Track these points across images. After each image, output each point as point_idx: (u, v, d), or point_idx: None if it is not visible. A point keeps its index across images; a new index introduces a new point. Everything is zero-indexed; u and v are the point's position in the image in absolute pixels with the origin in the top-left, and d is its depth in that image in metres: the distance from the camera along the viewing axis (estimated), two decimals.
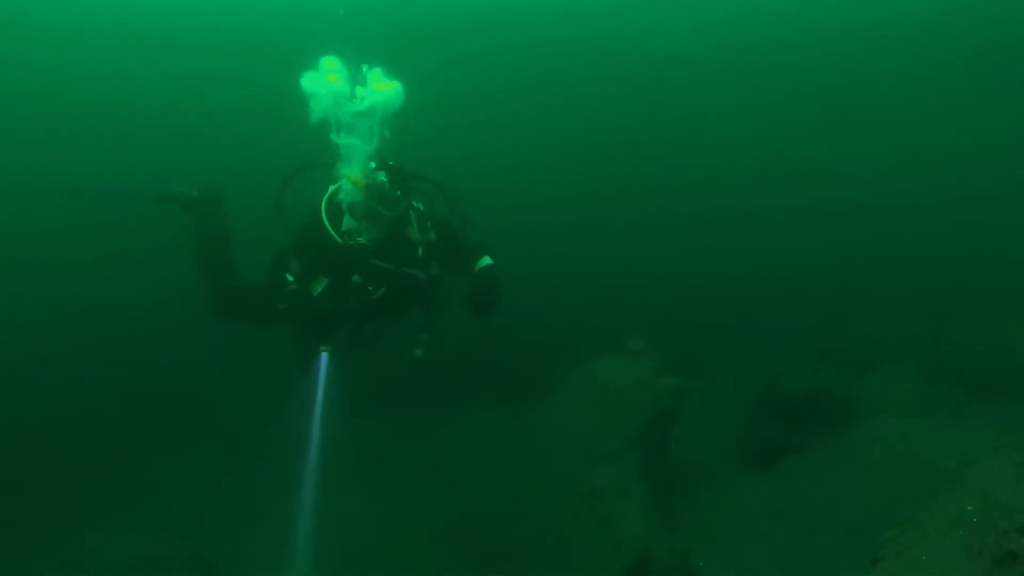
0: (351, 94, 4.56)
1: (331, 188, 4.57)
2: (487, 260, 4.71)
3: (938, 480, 3.39)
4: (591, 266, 17.85)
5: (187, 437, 8.47)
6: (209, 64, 18.14)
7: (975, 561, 2.40)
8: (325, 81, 4.58)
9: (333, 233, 4.42)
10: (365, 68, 4.59)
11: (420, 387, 9.53)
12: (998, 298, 10.41)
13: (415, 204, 4.71)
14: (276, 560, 6.43)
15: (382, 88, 4.57)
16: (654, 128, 23.96)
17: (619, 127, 24.01)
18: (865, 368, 8.77)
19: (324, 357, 4.63)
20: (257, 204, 5.40)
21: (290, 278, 4.55)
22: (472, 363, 10.17)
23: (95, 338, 11.23)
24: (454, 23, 17.03)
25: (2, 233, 14.49)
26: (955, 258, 16.12)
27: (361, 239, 4.42)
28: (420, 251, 4.61)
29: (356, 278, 4.48)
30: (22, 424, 8.22)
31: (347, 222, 4.47)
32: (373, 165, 4.56)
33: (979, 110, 21.72)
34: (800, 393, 7.55)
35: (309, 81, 4.57)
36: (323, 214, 4.46)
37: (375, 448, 8.74)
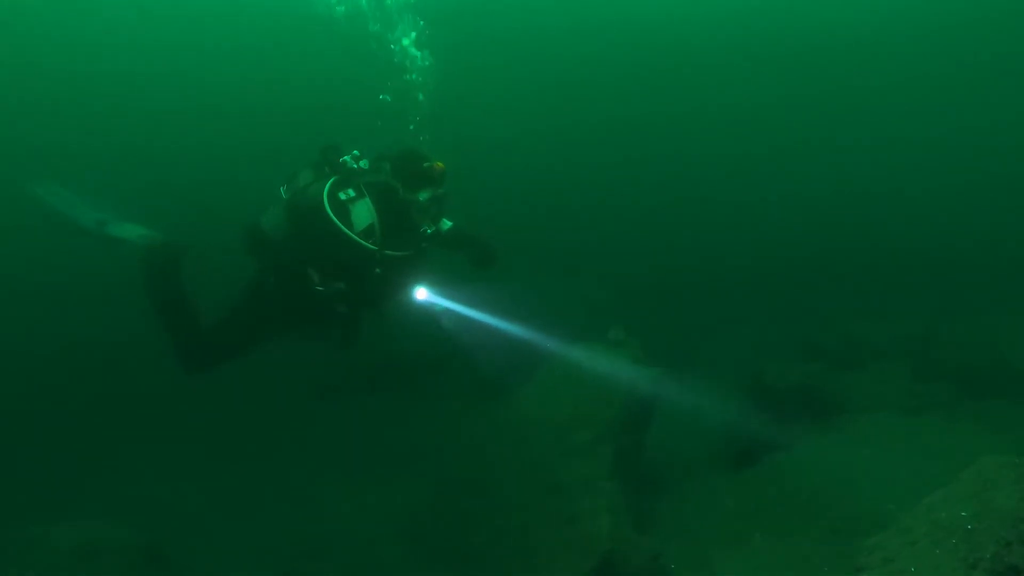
0: None
1: (328, 185, 4.08)
2: (447, 223, 4.49)
3: (927, 483, 3.13)
4: (586, 258, 17.57)
5: (141, 426, 8.17)
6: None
7: (970, 574, 2.11)
8: None
9: (356, 238, 3.97)
10: None
11: (395, 376, 9.25)
12: (993, 297, 10.19)
13: None
14: (231, 552, 6.17)
15: None
16: (652, 120, 23.70)
17: (618, 120, 23.74)
18: (856, 366, 8.52)
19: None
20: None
21: (319, 288, 4.14)
22: (447, 353, 9.85)
23: (43, 323, 10.82)
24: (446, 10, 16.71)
25: None
26: (950, 257, 15.90)
27: (429, 229, 4.21)
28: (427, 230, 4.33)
29: (379, 270, 4.12)
30: None
31: (358, 220, 4.03)
32: (359, 156, 4.31)
33: (975, 108, 21.56)
34: (787, 389, 7.29)
35: None
36: (333, 217, 3.97)
37: (347, 437, 8.48)
